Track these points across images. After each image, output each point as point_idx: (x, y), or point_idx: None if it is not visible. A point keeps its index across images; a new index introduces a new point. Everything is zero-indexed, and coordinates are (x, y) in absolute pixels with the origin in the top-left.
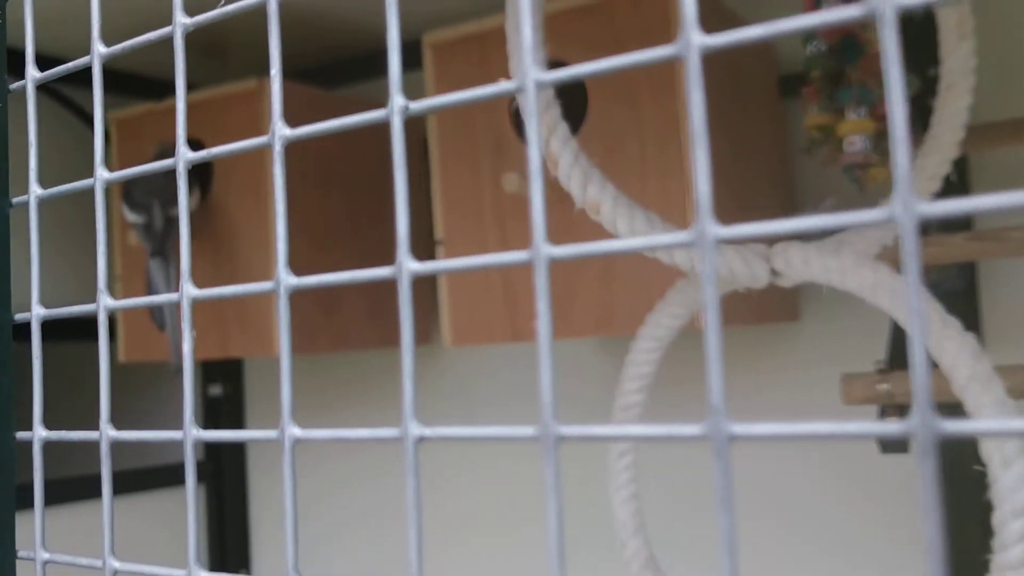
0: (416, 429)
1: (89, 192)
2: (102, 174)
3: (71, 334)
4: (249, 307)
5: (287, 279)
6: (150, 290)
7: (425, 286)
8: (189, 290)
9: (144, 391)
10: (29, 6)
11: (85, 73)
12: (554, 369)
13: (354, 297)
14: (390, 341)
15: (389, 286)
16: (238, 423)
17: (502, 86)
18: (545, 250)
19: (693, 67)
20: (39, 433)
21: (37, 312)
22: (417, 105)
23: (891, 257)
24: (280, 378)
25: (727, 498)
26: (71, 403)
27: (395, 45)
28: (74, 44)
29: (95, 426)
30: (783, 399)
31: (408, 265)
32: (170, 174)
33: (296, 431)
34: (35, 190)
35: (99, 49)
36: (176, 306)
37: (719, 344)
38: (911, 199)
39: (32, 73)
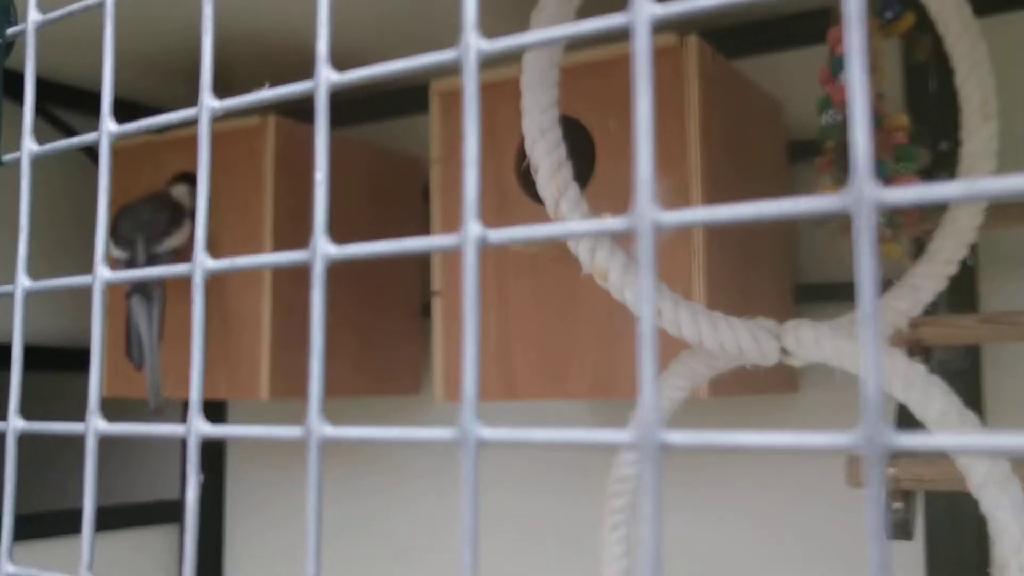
0: (320, 427)
1: (87, 222)
2: (110, 126)
3: (55, 364)
4: (235, 349)
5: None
6: (131, 329)
7: (418, 336)
8: (102, 273)
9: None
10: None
11: (82, 96)
12: (477, 361)
13: (340, 345)
14: (376, 390)
15: (375, 336)
16: (219, 460)
17: (441, 54)
18: (476, 231)
19: (642, 38)
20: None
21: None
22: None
23: (905, 339)
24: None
25: (655, 507)
26: (49, 441)
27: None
28: (75, 67)
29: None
30: (781, 471)
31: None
32: (157, 211)
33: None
34: (29, 145)
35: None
36: (154, 345)
37: (654, 350)
38: (869, 186)
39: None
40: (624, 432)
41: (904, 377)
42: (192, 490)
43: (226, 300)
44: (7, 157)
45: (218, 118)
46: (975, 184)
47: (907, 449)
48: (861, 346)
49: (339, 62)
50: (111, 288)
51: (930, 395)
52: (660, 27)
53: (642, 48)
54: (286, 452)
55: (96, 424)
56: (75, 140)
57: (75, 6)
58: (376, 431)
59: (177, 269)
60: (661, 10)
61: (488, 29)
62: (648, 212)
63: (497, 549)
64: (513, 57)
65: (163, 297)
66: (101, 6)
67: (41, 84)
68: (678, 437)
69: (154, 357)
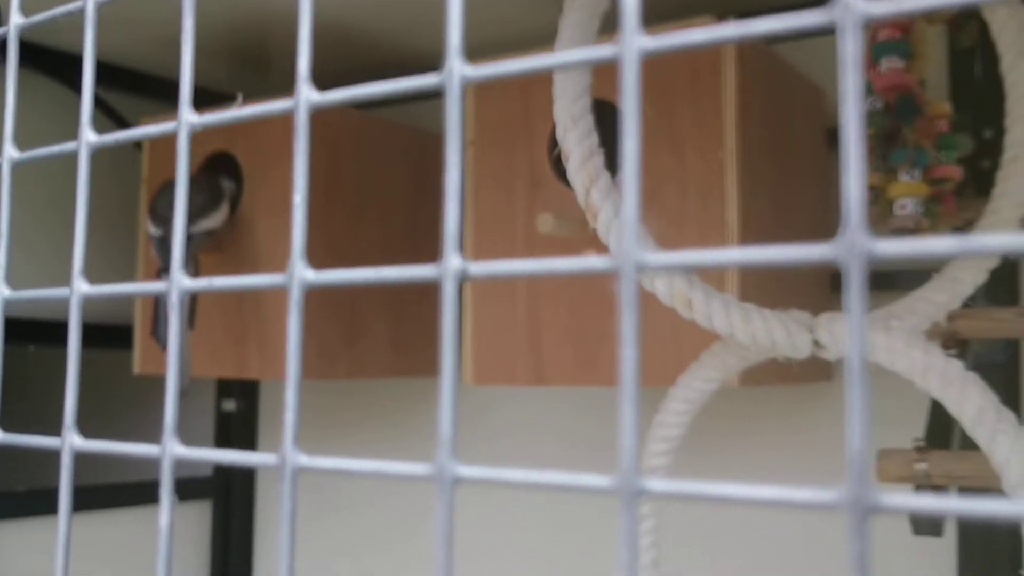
0: (295, 457)
1: (119, 200)
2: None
3: (93, 341)
4: (269, 328)
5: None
6: (159, 308)
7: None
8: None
9: (160, 403)
10: None
11: (113, 73)
12: (455, 399)
13: (376, 326)
14: (410, 371)
15: (411, 316)
16: (250, 440)
17: (423, 79)
18: (455, 264)
19: (630, 68)
20: (81, 288)
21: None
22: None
23: (941, 333)
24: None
25: (631, 554)
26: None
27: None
28: (104, 44)
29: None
30: (816, 461)
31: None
32: (195, 191)
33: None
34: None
35: (188, 118)
36: (186, 331)
37: (636, 393)
38: (861, 236)
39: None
40: (603, 478)
41: (941, 375)
42: (165, 514)
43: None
44: (64, 147)
45: (252, 97)
46: (968, 241)
47: (890, 509)
48: (895, 340)
49: (342, 40)
50: (146, 265)
51: (967, 393)
52: (695, 9)
53: (630, 81)
54: (320, 430)
55: (72, 440)
56: (151, 130)
57: (56, 11)
58: (350, 463)
59: (155, 286)
60: (651, 43)
61: (521, 14)
62: (632, 253)
63: (506, 563)
64: (549, 39)
65: (195, 278)
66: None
67: (67, 58)
68: (656, 485)
69: (184, 339)
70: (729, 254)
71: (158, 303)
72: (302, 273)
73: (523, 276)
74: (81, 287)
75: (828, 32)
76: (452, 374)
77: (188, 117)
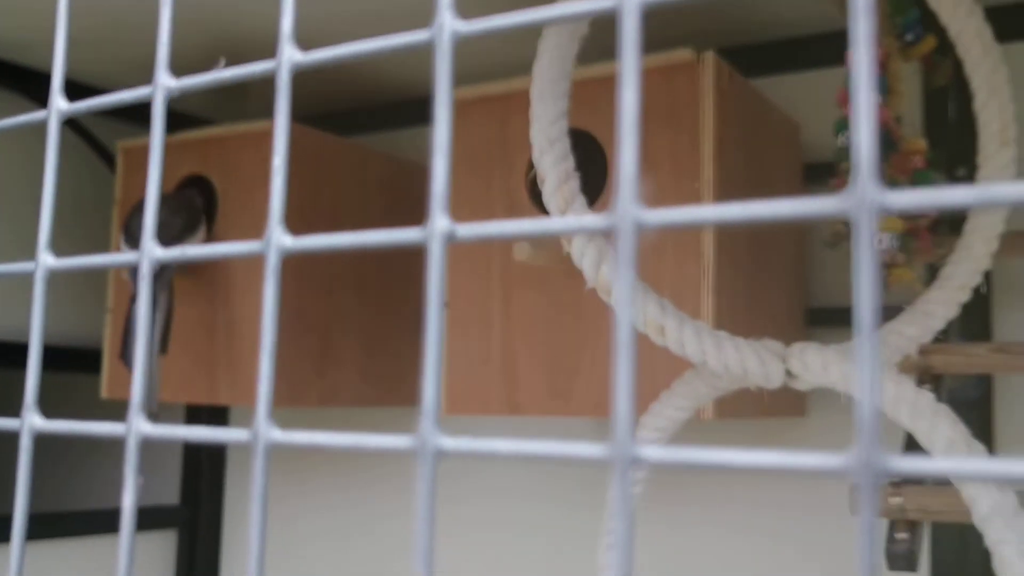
0: (268, 432)
1: (92, 222)
2: (59, 104)
3: (61, 364)
4: (237, 355)
5: (280, 239)
6: (129, 332)
7: (422, 348)
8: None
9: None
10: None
11: (88, 95)
12: (439, 367)
13: (348, 355)
14: (381, 400)
15: (383, 346)
16: (219, 467)
17: (414, 35)
18: (443, 225)
19: (630, 18)
20: (47, 262)
21: (46, 262)
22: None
23: (915, 367)
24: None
25: (627, 524)
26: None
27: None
28: (87, 67)
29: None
30: (789, 495)
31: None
32: (173, 213)
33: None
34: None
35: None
36: (153, 350)
37: (631, 358)
38: (871, 188)
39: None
40: (596, 446)
41: (912, 405)
42: (129, 493)
43: (230, 306)
44: (35, 116)
45: (229, 122)
46: (985, 190)
47: (901, 473)
48: (858, 365)
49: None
50: (116, 287)
51: (937, 425)
52: (674, 42)
53: (629, 35)
54: (287, 459)
55: (32, 420)
56: (22, 119)
57: None
58: (326, 437)
59: (126, 257)
60: None
61: (502, 45)
62: (630, 210)
63: (490, 558)
64: (527, 68)
65: (169, 303)
66: None
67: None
68: (652, 452)
69: (152, 361)
70: (731, 210)
71: (128, 327)
72: (280, 239)
73: (512, 237)
74: (47, 260)
75: (774, 61)
76: (436, 343)
77: (165, 80)
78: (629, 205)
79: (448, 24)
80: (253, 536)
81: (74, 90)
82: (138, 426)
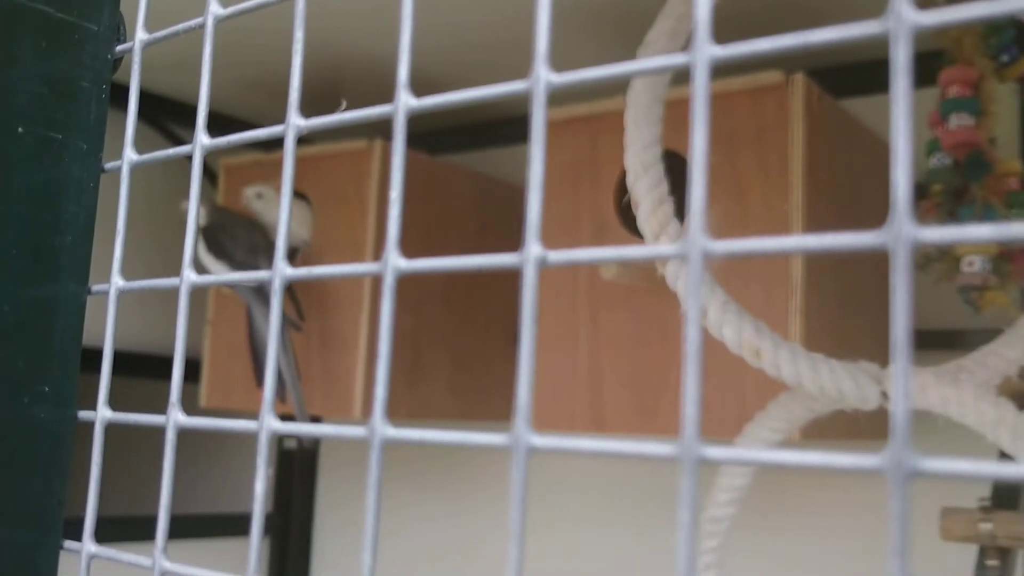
0: (383, 429)
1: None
2: (203, 140)
3: (146, 371)
4: (331, 367)
5: (396, 262)
6: (261, 354)
7: (511, 362)
8: (189, 276)
9: (224, 438)
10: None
11: (192, 114)
12: (531, 377)
13: (437, 370)
14: (470, 414)
15: (471, 362)
16: (311, 478)
17: (511, 85)
18: (536, 251)
19: (700, 76)
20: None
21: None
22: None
23: (1012, 389)
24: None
25: (691, 518)
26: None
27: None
28: (185, 83)
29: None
30: (878, 519)
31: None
32: (251, 231)
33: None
34: (129, 154)
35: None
36: (292, 364)
37: (699, 369)
38: (907, 224)
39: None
40: (666, 446)
41: (1012, 429)
42: (260, 482)
43: (326, 319)
44: (109, 165)
45: (326, 141)
46: (1007, 228)
47: (931, 472)
48: (965, 393)
49: (421, 89)
50: (223, 297)
51: None
52: (764, 64)
53: (700, 85)
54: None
55: (176, 417)
56: (171, 151)
57: (178, 27)
58: (434, 434)
59: (259, 274)
60: (721, 52)
61: (591, 58)
62: (699, 240)
63: (571, 550)
64: (619, 88)
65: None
66: (202, 27)
67: (152, 98)
68: (716, 452)
69: (293, 375)
70: (787, 241)
71: (255, 346)
72: (395, 261)
73: (598, 263)
74: (190, 277)
75: (870, 81)
76: (530, 348)
77: (296, 120)
78: (697, 235)
79: (543, 76)
80: (368, 527)
81: (170, 108)
82: (269, 423)
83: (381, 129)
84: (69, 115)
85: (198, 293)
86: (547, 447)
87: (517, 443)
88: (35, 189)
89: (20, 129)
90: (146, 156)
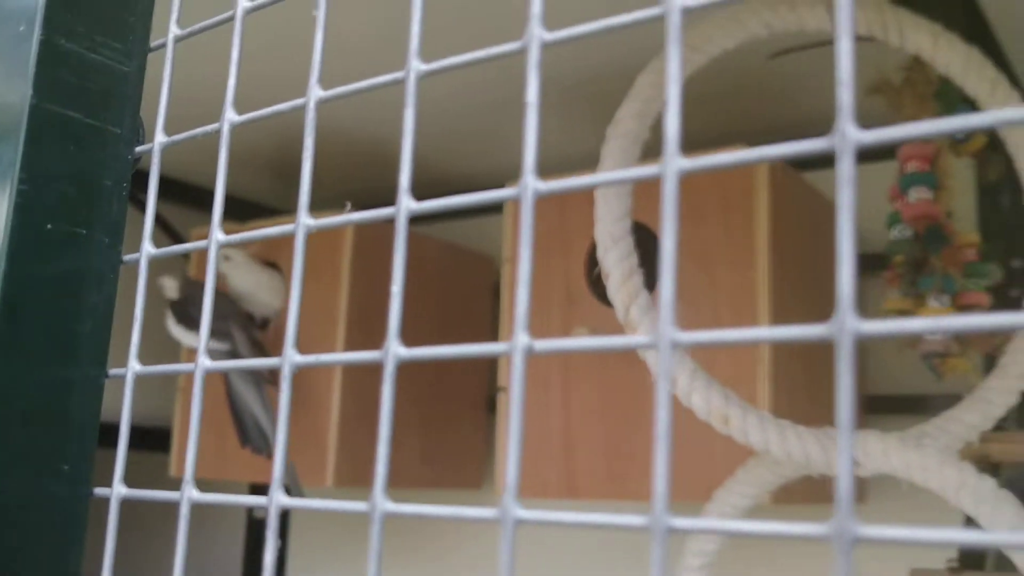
0: (383, 503)
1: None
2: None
3: (136, 443)
4: (303, 436)
5: (396, 349)
6: (240, 414)
7: (483, 431)
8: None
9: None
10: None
11: (171, 188)
12: (520, 452)
13: (408, 438)
14: (439, 483)
15: (441, 431)
16: (282, 541)
17: (501, 193)
18: (523, 341)
19: (670, 186)
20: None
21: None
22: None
23: (973, 454)
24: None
25: None
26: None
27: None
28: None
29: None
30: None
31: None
32: (226, 301)
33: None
34: (148, 248)
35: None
36: (274, 426)
37: (667, 445)
38: (850, 317)
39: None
40: (639, 517)
41: (974, 492)
42: (270, 553)
43: (297, 388)
44: (128, 257)
45: (295, 210)
46: (939, 321)
47: (873, 539)
48: (928, 458)
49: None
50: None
51: (1000, 512)
52: (728, 139)
53: (670, 195)
54: (345, 533)
55: (190, 493)
56: (188, 246)
57: (195, 131)
58: (431, 509)
59: (269, 361)
60: (689, 164)
61: (565, 134)
62: (668, 331)
63: None
64: (589, 162)
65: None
66: (219, 132)
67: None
68: (683, 522)
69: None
70: (747, 333)
71: (237, 411)
72: (396, 349)
73: (580, 351)
74: (205, 363)
75: (828, 157)
76: (518, 426)
77: (305, 220)
78: (667, 327)
79: (531, 185)
80: None
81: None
82: (278, 498)
83: (352, 197)
84: (92, 211)
85: (168, 359)
86: (532, 519)
87: (505, 516)
88: (60, 280)
89: (49, 226)
90: (163, 250)
